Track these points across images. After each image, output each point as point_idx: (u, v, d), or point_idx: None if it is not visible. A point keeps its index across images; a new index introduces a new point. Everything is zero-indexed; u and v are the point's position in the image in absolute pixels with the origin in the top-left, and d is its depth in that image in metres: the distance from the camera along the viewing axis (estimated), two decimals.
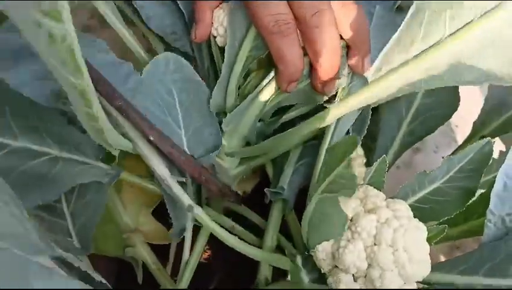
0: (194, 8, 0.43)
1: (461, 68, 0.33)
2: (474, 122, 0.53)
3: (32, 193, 0.40)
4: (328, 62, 0.38)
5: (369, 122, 0.41)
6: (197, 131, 0.45)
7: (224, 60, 0.42)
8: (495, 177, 0.44)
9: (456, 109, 0.47)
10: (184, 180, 0.44)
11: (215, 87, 0.44)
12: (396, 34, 0.34)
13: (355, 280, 0.35)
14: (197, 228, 0.48)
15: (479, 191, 0.48)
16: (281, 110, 0.46)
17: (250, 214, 0.53)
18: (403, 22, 0.34)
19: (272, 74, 0.41)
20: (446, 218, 0.41)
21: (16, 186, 0.38)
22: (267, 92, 0.42)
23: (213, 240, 0.48)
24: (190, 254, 0.48)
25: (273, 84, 0.42)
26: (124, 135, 0.41)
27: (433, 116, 0.47)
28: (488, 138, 0.37)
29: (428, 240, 0.37)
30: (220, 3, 0.42)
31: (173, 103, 0.44)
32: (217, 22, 0.42)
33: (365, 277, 0.35)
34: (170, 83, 0.43)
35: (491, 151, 0.37)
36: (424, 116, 0.47)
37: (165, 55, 0.43)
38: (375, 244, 0.34)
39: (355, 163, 0.32)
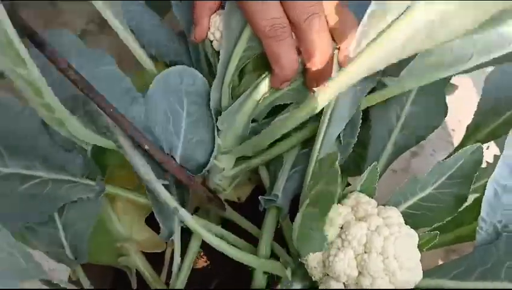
0: (192, 14, 0.44)
1: (435, 27, 0.33)
2: (467, 126, 0.53)
3: (24, 215, 0.42)
4: (322, 63, 0.40)
5: (359, 128, 0.41)
6: (195, 145, 0.46)
7: (219, 60, 0.43)
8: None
9: (445, 116, 0.47)
10: (168, 183, 0.45)
11: (211, 87, 0.45)
12: (370, 7, 0.34)
13: (346, 287, 0.35)
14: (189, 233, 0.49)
15: (474, 196, 0.49)
16: (274, 111, 0.47)
17: (244, 222, 0.53)
18: None
19: (266, 72, 0.43)
20: (439, 224, 0.41)
21: (8, 210, 0.39)
22: (260, 90, 0.43)
23: (209, 247, 0.49)
24: (182, 258, 0.48)
25: (266, 83, 0.43)
26: (112, 138, 0.42)
27: (422, 124, 0.47)
28: (478, 144, 0.37)
29: (420, 246, 0.37)
30: (217, 9, 0.44)
31: (181, 114, 0.45)
32: (214, 27, 0.43)
33: (356, 284, 0.35)
34: (184, 94, 0.45)
35: (481, 157, 0.37)
36: (414, 125, 0.47)
37: (180, 68, 0.44)
38: (365, 252, 0.34)
39: (337, 181, 0.32)
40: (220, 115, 0.46)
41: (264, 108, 0.46)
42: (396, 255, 0.34)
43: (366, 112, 0.46)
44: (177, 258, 0.48)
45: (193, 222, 0.44)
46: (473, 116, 0.54)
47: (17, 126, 0.43)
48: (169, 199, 0.44)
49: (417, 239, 0.36)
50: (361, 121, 0.42)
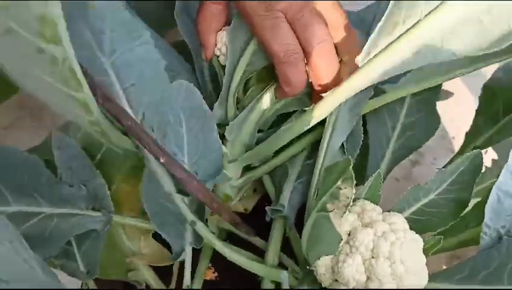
0: (198, 35, 0.47)
1: (437, 45, 0.36)
2: (466, 133, 0.55)
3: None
4: (328, 84, 0.43)
5: (362, 140, 0.43)
6: (200, 158, 0.46)
7: (225, 73, 0.46)
8: (489, 185, 0.45)
9: (437, 126, 0.50)
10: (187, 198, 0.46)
11: (218, 100, 0.48)
12: (381, 21, 0.37)
13: None
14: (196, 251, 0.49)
15: (475, 200, 0.50)
16: (278, 121, 0.49)
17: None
18: (387, 9, 0.36)
19: (269, 84, 0.46)
20: (443, 229, 0.42)
21: None
22: (265, 100, 0.46)
23: (217, 259, 0.49)
24: (193, 277, 0.49)
25: (270, 94, 0.46)
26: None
27: (417, 133, 0.50)
28: (478, 150, 0.39)
29: (425, 251, 0.38)
30: (223, 26, 0.46)
31: (180, 131, 0.45)
32: (221, 43, 0.46)
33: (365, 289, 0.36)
34: (180, 110, 0.45)
35: (480, 163, 0.39)
36: (409, 134, 0.49)
37: (179, 82, 0.44)
38: (372, 257, 0.35)
39: (352, 184, 0.33)
40: (225, 126, 0.48)
41: (269, 117, 0.48)
42: (402, 259, 0.35)
43: (363, 121, 0.48)
44: (187, 279, 0.48)
45: (210, 235, 0.45)
46: (471, 124, 0.55)
47: (20, 170, 0.45)
48: (187, 212, 0.44)
49: (422, 244, 0.37)
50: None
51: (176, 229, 0.48)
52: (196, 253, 0.50)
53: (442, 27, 0.35)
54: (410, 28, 0.36)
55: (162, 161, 0.40)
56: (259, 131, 0.49)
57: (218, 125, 0.49)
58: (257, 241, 0.53)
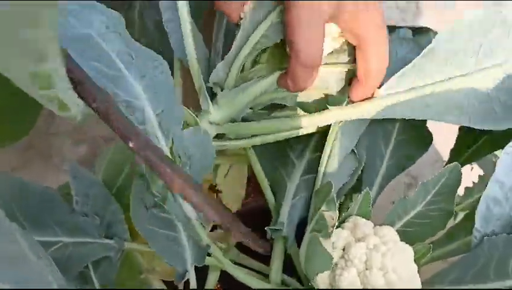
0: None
1: (448, 109, 0.45)
2: (450, 150, 0.58)
3: None
4: (378, 80, 0.44)
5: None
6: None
7: (236, 39, 0.45)
8: (476, 198, 0.48)
9: (430, 142, 0.53)
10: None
11: (222, 61, 0.47)
12: (411, 64, 0.43)
13: None
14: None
15: (464, 213, 0.53)
16: (272, 108, 0.50)
17: (249, 261, 0.55)
18: (421, 55, 0.42)
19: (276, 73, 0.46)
20: (435, 239, 0.45)
21: None
22: (268, 83, 0.47)
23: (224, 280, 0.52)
24: None
25: (273, 80, 0.46)
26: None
27: (409, 151, 0.52)
28: (456, 163, 0.42)
29: (417, 259, 0.41)
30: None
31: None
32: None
33: None
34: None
35: (459, 175, 0.42)
36: (401, 152, 0.52)
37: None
38: (366, 269, 0.38)
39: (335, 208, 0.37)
40: (219, 86, 0.48)
41: (264, 101, 0.48)
42: (394, 268, 0.38)
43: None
44: None
45: (221, 255, 0.48)
46: (454, 143, 0.59)
47: (37, 202, 0.48)
48: (203, 237, 0.46)
49: (412, 252, 0.41)
50: None
51: (175, 252, 0.49)
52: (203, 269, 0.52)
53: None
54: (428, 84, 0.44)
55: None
56: (250, 108, 0.49)
57: (214, 83, 0.49)
58: (258, 266, 0.56)
